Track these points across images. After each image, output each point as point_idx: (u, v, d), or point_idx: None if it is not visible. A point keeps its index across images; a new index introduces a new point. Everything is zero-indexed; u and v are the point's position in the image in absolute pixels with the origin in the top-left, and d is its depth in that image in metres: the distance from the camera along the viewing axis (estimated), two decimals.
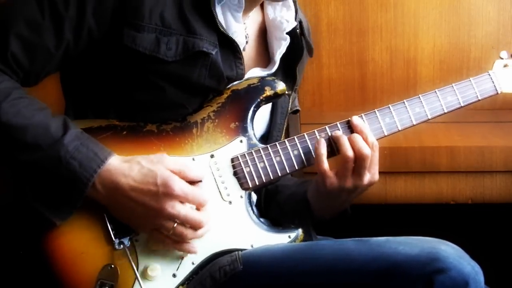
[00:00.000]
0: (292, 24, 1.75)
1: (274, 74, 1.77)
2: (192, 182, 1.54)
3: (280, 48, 1.75)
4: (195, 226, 1.52)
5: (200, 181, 1.56)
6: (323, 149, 1.64)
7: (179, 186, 1.50)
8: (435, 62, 2.49)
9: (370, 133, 1.66)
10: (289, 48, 1.76)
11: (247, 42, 1.75)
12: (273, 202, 1.85)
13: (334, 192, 1.66)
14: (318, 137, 1.67)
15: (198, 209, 1.54)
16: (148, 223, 1.52)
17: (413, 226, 2.20)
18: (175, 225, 1.50)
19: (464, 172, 2.23)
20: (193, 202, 1.53)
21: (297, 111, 1.89)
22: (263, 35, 1.80)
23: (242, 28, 1.71)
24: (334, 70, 2.51)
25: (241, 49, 1.69)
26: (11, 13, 1.54)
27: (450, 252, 1.45)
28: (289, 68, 1.81)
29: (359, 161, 1.63)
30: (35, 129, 1.47)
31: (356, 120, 1.67)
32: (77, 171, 1.47)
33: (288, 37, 1.75)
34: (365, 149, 1.62)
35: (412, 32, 2.48)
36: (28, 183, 1.53)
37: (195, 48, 1.59)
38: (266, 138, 1.81)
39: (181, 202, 1.51)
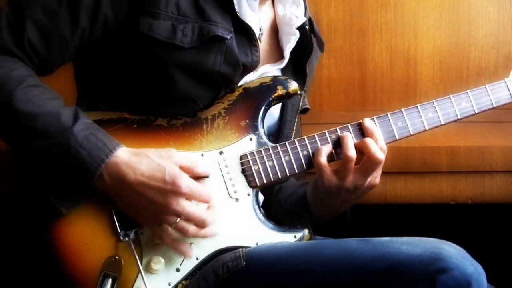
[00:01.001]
0: (302, 19, 1.76)
1: (284, 71, 1.78)
2: (199, 178, 1.55)
3: (289, 42, 1.75)
4: (198, 224, 1.53)
5: (207, 176, 1.56)
6: (325, 146, 1.65)
7: (186, 183, 1.50)
8: (435, 62, 2.48)
9: (381, 137, 1.66)
10: (298, 44, 1.76)
11: (261, 34, 1.75)
12: (275, 201, 1.85)
13: (332, 190, 1.66)
14: (328, 138, 1.67)
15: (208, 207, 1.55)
16: (152, 217, 1.52)
17: (413, 226, 2.20)
18: (178, 219, 1.51)
19: (464, 172, 2.23)
20: (199, 199, 1.53)
21: (306, 109, 1.89)
22: (275, 33, 1.81)
23: (257, 19, 1.72)
24: (334, 70, 2.51)
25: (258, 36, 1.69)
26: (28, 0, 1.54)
27: (453, 252, 1.45)
28: (299, 65, 1.82)
29: (371, 164, 1.63)
30: (45, 117, 1.48)
31: (367, 122, 1.67)
32: (85, 160, 1.47)
33: (297, 32, 1.75)
34: (379, 154, 1.62)
35: (412, 32, 2.48)
36: (38, 170, 1.53)
37: (210, 33, 1.60)
38: (276, 135, 1.81)
39: (187, 199, 1.51)
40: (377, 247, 1.50)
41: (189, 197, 1.51)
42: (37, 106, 1.49)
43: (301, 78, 1.82)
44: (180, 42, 1.58)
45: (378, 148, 1.63)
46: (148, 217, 1.53)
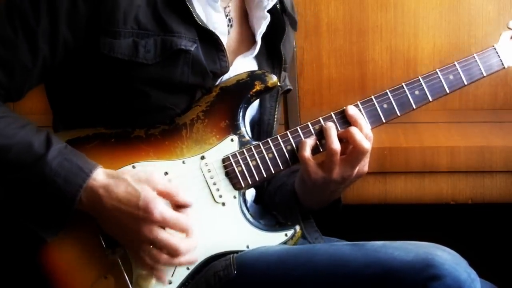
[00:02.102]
0: (272, 1, 1.70)
1: (258, 56, 1.74)
2: (180, 207, 1.53)
3: (260, 27, 1.71)
4: (171, 253, 1.50)
5: (188, 206, 1.53)
6: (309, 139, 1.62)
7: (159, 211, 1.47)
8: (435, 62, 2.46)
9: (366, 124, 1.63)
10: (269, 27, 1.72)
11: (231, 26, 1.72)
12: (265, 193, 1.83)
13: (319, 183, 1.63)
14: (311, 129, 1.64)
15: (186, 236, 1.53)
16: (130, 242, 1.52)
17: (413, 226, 2.21)
18: (151, 247, 1.49)
19: (464, 172, 2.22)
20: (174, 228, 1.50)
21: (289, 90, 1.83)
22: (245, 18, 1.76)
23: (223, 17, 1.68)
24: (334, 70, 2.50)
25: (225, 38, 1.66)
26: None
27: (446, 258, 1.43)
28: (273, 48, 1.77)
29: (357, 154, 1.59)
30: (17, 148, 1.47)
31: (351, 110, 1.63)
32: (62, 188, 1.46)
33: (268, 15, 1.70)
34: (365, 142, 1.59)
35: (412, 32, 2.47)
36: (16, 201, 1.52)
37: (173, 47, 1.57)
38: (258, 124, 1.78)
39: (161, 226, 1.49)
40: (369, 253, 1.48)
41: (162, 224, 1.48)
42: (7, 138, 1.47)
43: (277, 61, 1.77)
44: (143, 59, 1.55)
45: (363, 136, 1.59)
46: (126, 241, 1.52)
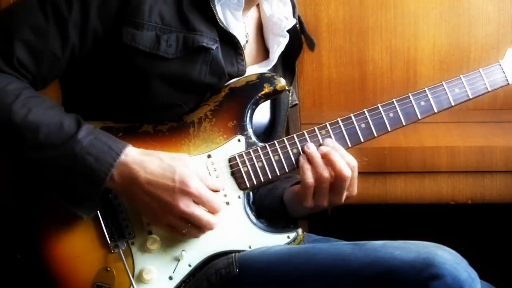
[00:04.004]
0: (292, 21, 1.74)
1: (273, 70, 1.76)
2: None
3: (279, 45, 1.73)
4: (204, 229, 1.53)
5: (218, 190, 1.56)
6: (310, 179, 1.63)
7: (196, 185, 1.50)
8: (435, 62, 2.47)
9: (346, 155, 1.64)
10: (288, 44, 1.75)
11: (247, 41, 1.74)
12: (256, 195, 1.83)
13: (308, 209, 1.67)
14: (318, 134, 1.65)
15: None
16: (162, 218, 1.53)
17: (413, 226, 2.21)
18: (189, 225, 1.52)
19: (464, 172, 2.23)
20: (206, 205, 1.53)
21: (295, 105, 1.87)
22: (260, 32, 1.79)
23: (242, 27, 1.71)
24: (334, 70, 2.50)
25: (242, 46, 1.68)
26: (14, 19, 1.55)
27: (447, 258, 1.43)
28: (288, 64, 1.80)
29: (339, 181, 1.62)
30: (48, 127, 1.48)
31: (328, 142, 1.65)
32: (93, 166, 1.48)
33: (287, 35, 1.73)
34: (346, 171, 1.61)
35: (412, 32, 2.47)
36: (45, 181, 1.53)
37: (195, 43, 1.58)
38: (269, 134, 1.80)
39: (195, 202, 1.51)
40: (370, 252, 1.49)
41: (197, 199, 1.51)
42: (38, 117, 1.49)
43: (290, 75, 1.81)
44: (164, 53, 1.57)
45: (345, 164, 1.61)
46: (158, 218, 1.53)
